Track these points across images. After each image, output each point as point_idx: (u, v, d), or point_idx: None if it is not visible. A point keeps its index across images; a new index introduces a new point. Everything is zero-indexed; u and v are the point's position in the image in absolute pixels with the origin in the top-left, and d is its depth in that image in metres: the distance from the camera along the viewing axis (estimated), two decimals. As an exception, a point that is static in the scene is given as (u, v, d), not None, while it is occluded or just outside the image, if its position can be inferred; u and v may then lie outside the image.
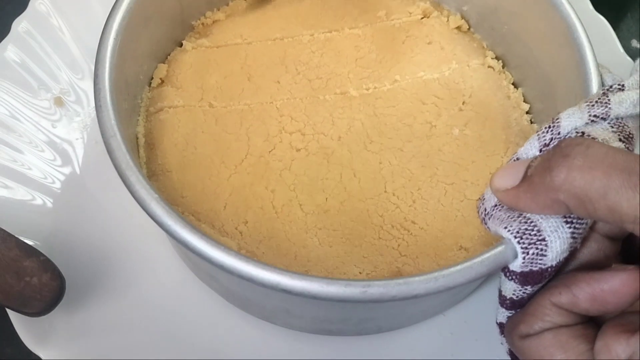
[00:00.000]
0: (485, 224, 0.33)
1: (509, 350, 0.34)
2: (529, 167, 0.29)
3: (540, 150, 0.32)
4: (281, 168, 0.42)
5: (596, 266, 0.30)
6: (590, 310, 0.28)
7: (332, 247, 0.40)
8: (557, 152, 0.27)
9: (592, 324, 0.29)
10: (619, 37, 0.53)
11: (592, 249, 0.30)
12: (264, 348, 0.43)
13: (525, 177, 0.29)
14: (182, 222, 0.32)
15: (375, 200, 0.41)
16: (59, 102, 0.50)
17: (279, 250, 0.40)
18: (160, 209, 0.32)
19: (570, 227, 0.29)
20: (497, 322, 0.34)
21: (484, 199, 0.33)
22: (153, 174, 0.42)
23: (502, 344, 0.34)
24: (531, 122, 0.46)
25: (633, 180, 0.25)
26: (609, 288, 0.27)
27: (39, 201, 0.47)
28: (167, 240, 0.45)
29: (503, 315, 0.33)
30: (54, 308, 0.39)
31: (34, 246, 0.40)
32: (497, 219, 0.31)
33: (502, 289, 0.32)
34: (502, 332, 0.34)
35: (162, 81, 0.46)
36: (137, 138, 0.43)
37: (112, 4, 0.40)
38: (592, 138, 0.31)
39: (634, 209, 0.24)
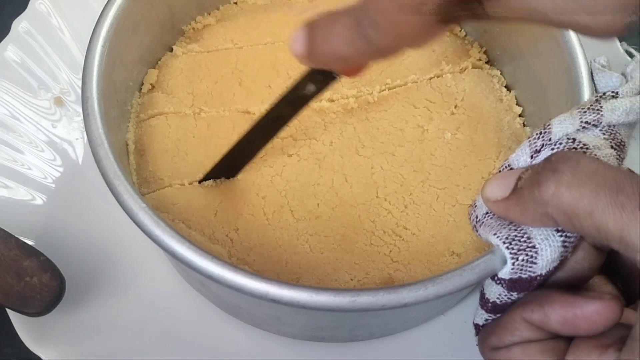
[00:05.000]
0: (477, 231, 0.32)
1: None
2: (519, 178, 0.29)
3: (532, 157, 0.32)
4: (272, 174, 0.42)
5: (579, 277, 0.30)
6: (561, 331, 0.28)
7: (324, 254, 0.39)
8: (547, 166, 0.27)
9: (563, 338, 0.29)
10: (618, 37, 0.53)
11: (578, 257, 0.30)
12: (256, 355, 0.42)
13: (515, 189, 0.29)
14: (170, 232, 0.32)
15: (367, 206, 0.41)
16: (59, 102, 0.50)
17: (270, 257, 0.39)
18: (148, 219, 0.32)
19: (561, 236, 0.28)
20: (473, 323, 0.34)
21: (476, 205, 0.33)
22: (144, 180, 0.42)
23: (477, 345, 0.34)
24: (524, 125, 0.46)
25: (620, 199, 0.24)
26: (582, 314, 0.27)
27: (39, 201, 0.47)
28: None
29: (481, 317, 0.33)
30: (54, 308, 0.39)
31: (34, 246, 0.40)
32: (488, 226, 0.31)
33: (485, 291, 0.32)
34: (476, 333, 0.33)
35: (153, 87, 0.46)
36: (127, 145, 0.43)
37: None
38: (584, 144, 0.31)
39: (620, 228, 0.24)
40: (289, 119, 0.39)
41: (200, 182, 0.42)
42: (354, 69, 0.32)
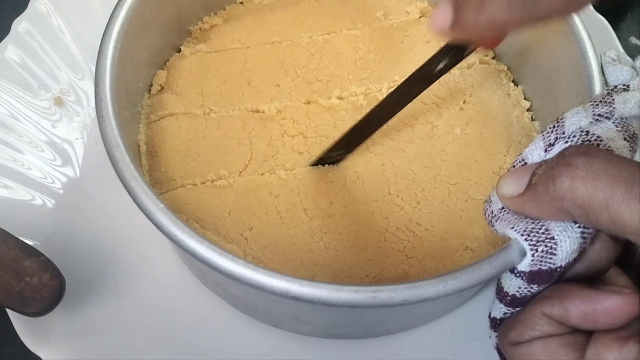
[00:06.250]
0: (492, 226, 0.33)
1: (497, 345, 0.34)
2: (533, 174, 0.29)
3: (545, 150, 0.32)
4: (285, 172, 0.42)
5: (597, 268, 0.30)
6: (581, 325, 0.28)
7: (338, 251, 0.40)
8: (561, 160, 0.27)
9: (583, 331, 0.29)
10: (619, 37, 0.53)
11: (596, 249, 0.30)
12: (271, 353, 0.42)
13: (529, 185, 0.29)
14: (189, 232, 0.32)
15: (379, 203, 0.41)
16: (59, 102, 0.50)
17: (285, 255, 0.39)
18: (167, 219, 0.32)
19: (579, 227, 0.29)
20: (490, 316, 0.34)
21: (491, 201, 0.33)
22: (157, 181, 0.42)
23: (490, 337, 0.34)
24: (532, 120, 0.46)
25: (635, 192, 0.25)
26: (602, 309, 0.27)
27: (39, 201, 0.47)
28: (169, 245, 0.45)
29: (499, 310, 0.33)
30: (54, 308, 0.39)
31: (34, 246, 0.40)
32: (505, 220, 0.31)
33: (504, 284, 0.32)
34: (492, 327, 0.34)
35: (162, 88, 0.46)
36: (139, 146, 0.43)
37: (112, 4, 0.40)
38: (597, 137, 0.31)
39: (636, 221, 0.24)
40: (414, 97, 0.39)
41: (313, 165, 0.42)
42: (494, 41, 0.32)
